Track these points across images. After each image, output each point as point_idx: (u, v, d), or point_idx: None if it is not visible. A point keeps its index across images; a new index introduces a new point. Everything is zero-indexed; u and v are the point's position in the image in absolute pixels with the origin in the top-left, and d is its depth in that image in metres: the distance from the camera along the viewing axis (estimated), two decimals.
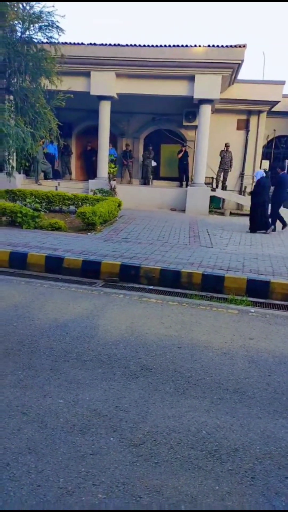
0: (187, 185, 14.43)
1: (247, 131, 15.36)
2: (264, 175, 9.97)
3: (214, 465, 2.29)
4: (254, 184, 10.03)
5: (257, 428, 2.65)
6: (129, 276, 6.01)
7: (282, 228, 10.45)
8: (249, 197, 14.68)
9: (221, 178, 14.49)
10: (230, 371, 3.39)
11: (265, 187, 9.86)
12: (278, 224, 10.55)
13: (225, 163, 14.29)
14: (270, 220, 10.20)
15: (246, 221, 10.79)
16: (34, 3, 9.08)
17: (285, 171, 10.56)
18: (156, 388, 3.05)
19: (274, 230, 10.22)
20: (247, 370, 3.42)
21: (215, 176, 14.62)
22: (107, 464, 2.24)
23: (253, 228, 9.99)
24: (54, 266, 6.24)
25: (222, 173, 14.42)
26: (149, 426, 2.60)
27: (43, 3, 11.34)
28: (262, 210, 9.90)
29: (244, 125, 15.40)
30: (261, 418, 2.76)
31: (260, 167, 15.67)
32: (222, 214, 13.72)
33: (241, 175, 15.65)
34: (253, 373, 3.37)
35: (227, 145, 14.25)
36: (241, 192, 15.59)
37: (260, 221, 9.90)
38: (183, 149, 14.81)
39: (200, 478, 2.19)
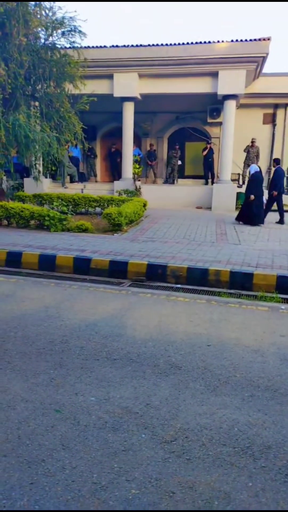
0: (212, 183, 14.30)
1: (274, 125, 15.09)
2: (258, 169, 10.43)
3: (247, 462, 2.27)
4: (248, 178, 10.58)
5: None
6: (156, 275, 6.02)
7: (278, 222, 10.67)
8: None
9: (247, 174, 14.25)
10: (261, 368, 3.34)
11: (259, 181, 10.24)
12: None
13: (249, 159, 14.04)
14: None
15: (274, 216, 10.59)
16: (56, 9, 9.28)
17: (280, 165, 11.09)
18: (186, 385, 3.05)
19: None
20: (279, 368, 3.36)
21: (241, 173, 14.43)
22: (139, 460, 2.26)
23: (240, 219, 10.39)
24: (82, 267, 6.34)
25: (248, 169, 14.17)
26: (180, 423, 2.60)
27: (65, 8, 11.42)
28: (258, 203, 10.11)
29: (270, 119, 15.13)
30: None
31: None
32: None
33: (268, 170, 15.36)
34: (285, 370, 3.31)
35: (253, 141, 14.01)
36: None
37: (255, 214, 10.10)
38: (208, 146, 14.69)
39: (233, 474, 2.17)
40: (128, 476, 2.14)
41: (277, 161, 11.17)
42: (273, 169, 11.72)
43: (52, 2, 9.26)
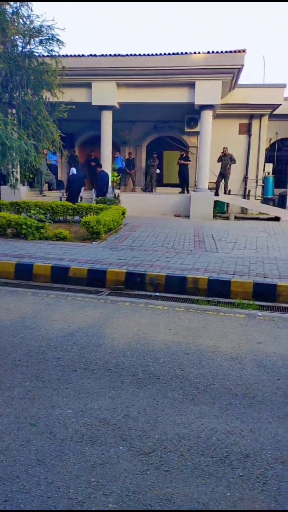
0: (187, 191, 14.48)
1: (249, 135, 15.40)
2: (75, 172, 13.01)
3: (225, 472, 2.26)
4: (68, 179, 13.42)
5: (267, 433, 2.62)
6: (135, 283, 6.01)
7: None
8: (256, 201, 14.83)
9: (222, 183, 14.34)
10: (239, 376, 3.36)
11: (73, 182, 12.86)
12: None
13: (221, 168, 14.11)
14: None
15: (251, 224, 10.80)
16: (34, 17, 9.23)
17: (102, 169, 13.50)
18: (165, 395, 3.03)
19: None
20: (256, 375, 3.39)
21: (216, 181, 14.57)
22: (117, 474, 2.23)
23: None
24: (60, 276, 6.27)
25: (222, 179, 14.24)
26: (158, 434, 2.58)
27: (43, 17, 11.43)
28: (75, 198, 12.66)
29: (246, 129, 15.43)
30: (271, 422, 2.73)
31: (264, 171, 15.71)
32: (227, 218, 13.71)
33: (245, 178, 15.65)
34: (262, 378, 3.34)
35: (224, 149, 14.01)
36: (245, 196, 15.58)
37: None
38: (184, 154, 14.86)
39: (212, 485, 2.17)
40: (106, 490, 2.11)
41: (100, 165, 13.63)
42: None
43: (30, 11, 9.23)
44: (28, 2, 8.96)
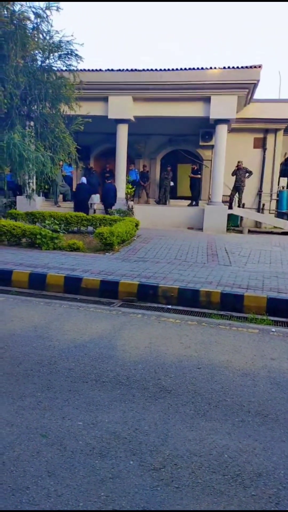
0: (197, 204, 14.53)
1: (264, 149, 15.39)
2: (85, 182, 13.69)
3: (237, 490, 2.22)
4: (76, 187, 14.17)
5: (281, 452, 2.57)
6: (147, 295, 6.00)
7: None
8: (270, 215, 14.69)
9: (236, 197, 14.31)
10: (251, 392, 3.31)
11: (82, 190, 13.50)
12: None
13: (235, 181, 14.08)
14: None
15: (265, 238, 10.73)
16: (54, 33, 9.47)
17: (110, 181, 14.33)
18: (176, 410, 3.00)
19: None
20: (270, 392, 3.33)
21: (230, 195, 14.55)
22: (127, 488, 2.20)
23: None
24: (72, 287, 6.30)
25: (236, 192, 14.20)
26: (169, 449, 2.55)
27: (62, 32, 11.73)
28: (83, 205, 13.30)
29: (261, 144, 15.44)
30: (284, 441, 2.67)
31: (278, 185, 15.65)
32: (241, 232, 13.65)
33: (259, 193, 15.61)
34: (275, 395, 3.29)
35: (238, 163, 13.99)
36: (259, 209, 15.51)
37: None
38: (195, 167, 14.94)
39: (223, 503, 2.12)
40: (115, 505, 2.08)
41: (108, 178, 14.61)
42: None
43: (50, 26, 9.46)
44: (48, 18, 9.20)
